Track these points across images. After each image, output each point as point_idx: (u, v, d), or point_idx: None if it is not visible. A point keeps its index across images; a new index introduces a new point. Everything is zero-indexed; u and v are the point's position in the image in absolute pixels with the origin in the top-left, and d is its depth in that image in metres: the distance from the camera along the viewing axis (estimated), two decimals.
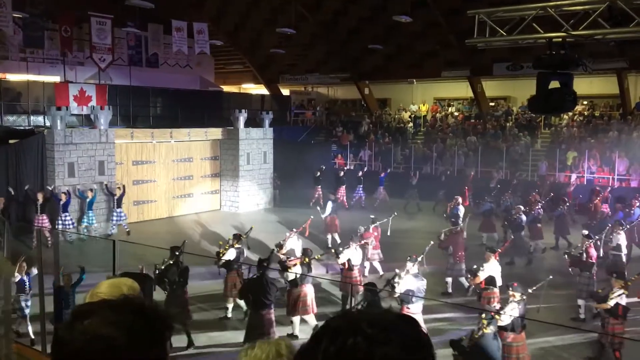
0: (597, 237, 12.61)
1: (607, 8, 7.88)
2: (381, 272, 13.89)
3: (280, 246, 11.84)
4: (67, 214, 17.44)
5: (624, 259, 13.52)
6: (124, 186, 19.40)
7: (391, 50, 29.36)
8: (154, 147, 22.12)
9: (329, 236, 16.95)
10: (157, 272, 10.01)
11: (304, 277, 10.41)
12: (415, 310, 9.17)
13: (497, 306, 8.83)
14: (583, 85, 23.92)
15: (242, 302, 10.65)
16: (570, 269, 12.02)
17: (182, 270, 10.34)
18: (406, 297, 9.23)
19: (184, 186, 23.29)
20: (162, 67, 28.56)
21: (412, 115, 32.51)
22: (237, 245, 12.00)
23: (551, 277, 9.43)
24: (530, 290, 8.68)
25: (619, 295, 9.38)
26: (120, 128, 21.11)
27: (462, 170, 26.03)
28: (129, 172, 21.33)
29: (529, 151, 26.09)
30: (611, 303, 9.20)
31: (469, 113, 31.34)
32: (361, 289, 10.30)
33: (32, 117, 21.57)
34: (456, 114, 31.69)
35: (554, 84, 8.88)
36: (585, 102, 27.68)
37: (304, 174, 25.38)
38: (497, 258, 11.26)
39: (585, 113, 27.62)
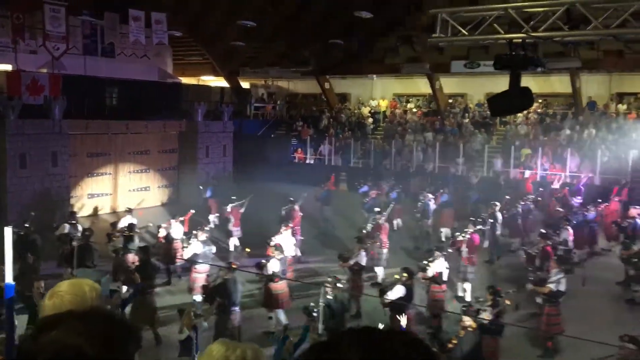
0: (555, 238, 13.13)
1: (565, 11, 8.09)
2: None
3: (271, 244, 11.63)
4: None
5: (571, 254, 13.94)
6: None
7: (352, 45, 29.45)
8: (110, 139, 21.62)
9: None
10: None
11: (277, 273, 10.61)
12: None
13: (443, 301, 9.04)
14: (537, 84, 24.56)
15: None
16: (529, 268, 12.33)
17: (150, 268, 10.36)
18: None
19: (141, 179, 22.86)
20: (118, 57, 27.90)
21: (372, 111, 32.73)
22: (202, 238, 12.01)
23: (513, 291, 9.66)
24: (503, 296, 8.87)
25: (558, 278, 9.76)
26: (75, 119, 20.53)
27: (421, 166, 26.43)
28: (83, 164, 20.80)
29: (484, 148, 26.64)
30: (551, 287, 9.62)
31: (427, 109, 31.74)
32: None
33: None
34: (415, 110, 32.06)
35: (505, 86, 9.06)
36: (539, 101, 28.39)
37: (263, 168, 25.28)
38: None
39: (539, 111, 28.34)
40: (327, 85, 33.61)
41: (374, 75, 31.83)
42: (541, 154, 24.64)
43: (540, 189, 20.93)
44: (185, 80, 33.91)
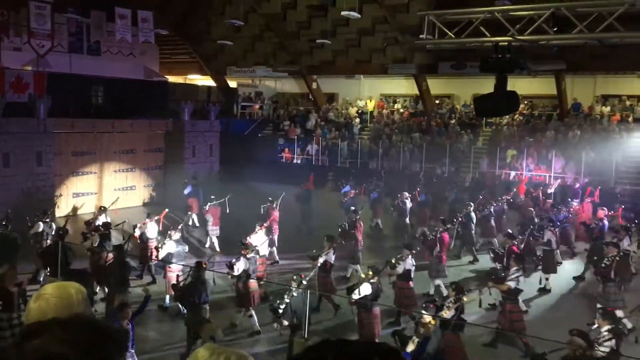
0: (520, 237, 13.48)
1: (551, 15, 8.15)
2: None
3: (245, 246, 11.63)
4: None
5: (555, 254, 14.12)
6: None
7: (339, 45, 29.48)
8: (95, 138, 21.46)
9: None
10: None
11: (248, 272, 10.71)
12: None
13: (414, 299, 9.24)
14: (523, 85, 24.73)
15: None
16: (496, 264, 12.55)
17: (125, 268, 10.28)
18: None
19: (127, 178, 22.71)
20: (104, 55, 27.70)
21: (359, 111, 32.79)
22: (175, 237, 12.16)
23: (475, 288, 9.93)
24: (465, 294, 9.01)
25: (517, 276, 10.02)
26: (60, 118, 20.35)
27: (407, 167, 26.55)
28: (68, 163, 20.63)
29: (470, 149, 26.81)
30: (510, 284, 9.86)
31: (414, 110, 31.86)
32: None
33: None
34: (402, 110, 32.16)
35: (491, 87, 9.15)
36: (525, 102, 28.60)
37: (250, 167, 25.24)
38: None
39: (525, 112, 28.56)
40: (314, 85, 33.60)
41: (361, 76, 31.87)
42: (526, 155, 24.86)
43: (514, 189, 21.25)
44: (171, 79, 33.77)
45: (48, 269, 11.40)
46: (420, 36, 9.57)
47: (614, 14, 8.04)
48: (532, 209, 17.38)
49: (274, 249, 15.13)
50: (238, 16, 27.40)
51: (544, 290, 13.29)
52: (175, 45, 34.06)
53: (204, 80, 36.33)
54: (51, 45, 22.60)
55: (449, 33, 9.08)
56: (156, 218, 14.48)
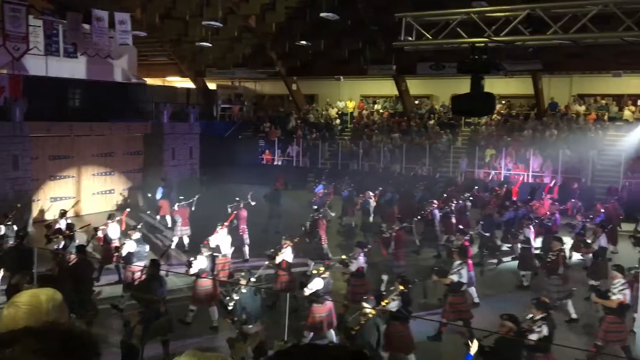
0: (471, 233, 14.01)
1: (526, 16, 8.27)
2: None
3: (207, 246, 11.77)
4: None
5: (533, 251, 14.34)
6: None
7: (318, 46, 29.52)
8: (73, 142, 21.21)
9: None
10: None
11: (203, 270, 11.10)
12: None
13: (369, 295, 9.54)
14: (500, 85, 25.04)
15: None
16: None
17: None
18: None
19: (105, 182, 22.49)
20: (81, 58, 27.28)
21: (339, 112, 32.86)
22: (135, 237, 12.32)
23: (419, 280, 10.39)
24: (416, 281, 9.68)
25: (459, 270, 10.48)
26: (36, 121, 20.08)
27: (388, 167, 26.67)
28: (46, 167, 20.36)
29: (450, 148, 27.03)
30: (452, 277, 10.36)
31: (394, 110, 32.02)
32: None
33: None
34: (381, 111, 32.31)
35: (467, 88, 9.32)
36: (503, 102, 28.91)
37: (231, 169, 25.13)
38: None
39: (503, 112, 28.87)
40: (294, 87, 33.61)
41: (341, 77, 31.96)
42: (505, 154, 25.14)
43: (476, 187, 21.81)
44: (150, 81, 33.48)
45: (2, 271, 11.37)
46: (398, 38, 9.62)
47: (587, 14, 8.16)
48: (493, 207, 17.80)
49: (246, 247, 15.43)
50: (216, 18, 27.29)
51: (522, 287, 13.47)
52: (153, 47, 33.78)
53: (183, 82, 36.12)
54: (26, 48, 22.24)
55: (427, 34, 9.16)
56: (118, 219, 14.63)
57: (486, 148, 26.26)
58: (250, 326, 8.76)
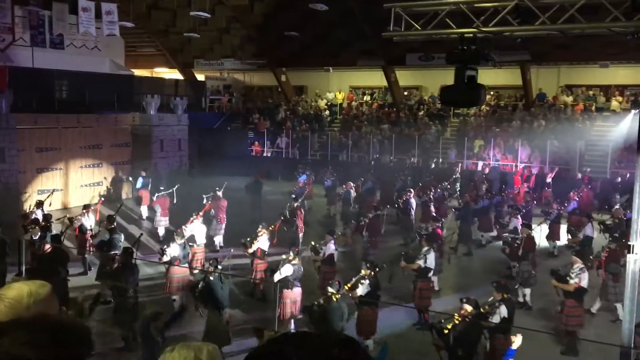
0: (442, 220, 14.57)
1: (514, 6, 8.29)
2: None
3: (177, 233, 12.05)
4: None
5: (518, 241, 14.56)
6: None
7: (307, 37, 29.40)
8: (60, 134, 21.04)
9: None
10: None
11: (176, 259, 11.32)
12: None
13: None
14: (489, 76, 25.09)
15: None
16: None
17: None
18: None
19: (93, 174, 22.34)
20: (67, 49, 27.03)
21: (329, 103, 32.81)
22: (109, 227, 12.47)
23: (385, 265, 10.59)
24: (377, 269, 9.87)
25: (425, 255, 10.79)
26: (23, 113, 19.88)
27: (379, 159, 26.71)
28: (32, 159, 20.19)
29: (439, 139, 27.10)
30: (419, 263, 10.72)
31: (383, 102, 32.02)
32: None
33: None
34: (371, 102, 32.30)
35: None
36: (491, 93, 29.00)
37: (220, 161, 25.05)
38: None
39: (491, 103, 28.96)
40: (283, 78, 33.49)
41: (330, 68, 31.89)
42: (493, 144, 25.25)
43: (454, 176, 22.22)
44: (137, 72, 33.19)
45: None
46: (387, 29, 9.60)
47: (575, 5, 8.18)
48: (470, 195, 18.04)
49: (220, 237, 15.64)
50: (204, 8, 27.08)
51: (510, 277, 13.60)
52: (140, 38, 33.51)
53: (171, 74, 35.86)
54: (12, 39, 22.03)
55: (416, 25, 9.14)
56: (92, 209, 14.81)
57: (475, 139, 26.36)
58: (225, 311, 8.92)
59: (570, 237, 15.00)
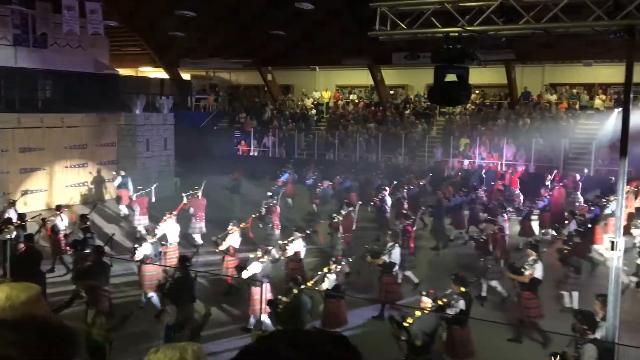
0: (413, 218, 14.82)
1: (499, 5, 8.36)
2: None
3: (152, 234, 12.27)
4: None
5: (506, 239, 14.74)
6: None
7: (293, 36, 29.36)
8: (44, 133, 20.85)
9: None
10: None
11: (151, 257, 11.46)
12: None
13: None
14: (474, 75, 25.02)
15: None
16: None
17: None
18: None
19: (79, 174, 22.16)
20: (51, 48, 26.73)
21: (315, 102, 32.80)
22: (83, 226, 12.62)
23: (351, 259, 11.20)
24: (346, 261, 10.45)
25: (390, 250, 11.17)
26: (6, 113, 19.66)
27: (364, 157, 26.76)
28: (16, 159, 19.99)
29: (425, 138, 27.21)
30: (384, 258, 11.11)
31: (369, 101, 32.08)
32: None
33: None
34: (357, 101, 32.34)
35: (452, 77, 9.45)
36: (477, 92, 29.17)
37: (206, 161, 24.94)
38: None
39: (477, 101, 29.14)
40: (269, 77, 33.43)
41: (317, 67, 31.88)
42: (479, 143, 25.41)
43: (430, 174, 22.33)
44: (122, 71, 32.91)
45: None
46: (373, 28, 9.64)
47: (559, 4, 8.26)
48: (444, 193, 18.22)
49: (198, 235, 15.75)
50: (189, 7, 26.94)
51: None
52: (125, 36, 33.23)
53: (156, 73, 35.64)
54: None
55: (401, 24, 9.18)
56: (66, 209, 14.89)
57: (460, 137, 26.50)
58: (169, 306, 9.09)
59: (555, 233, 15.16)
